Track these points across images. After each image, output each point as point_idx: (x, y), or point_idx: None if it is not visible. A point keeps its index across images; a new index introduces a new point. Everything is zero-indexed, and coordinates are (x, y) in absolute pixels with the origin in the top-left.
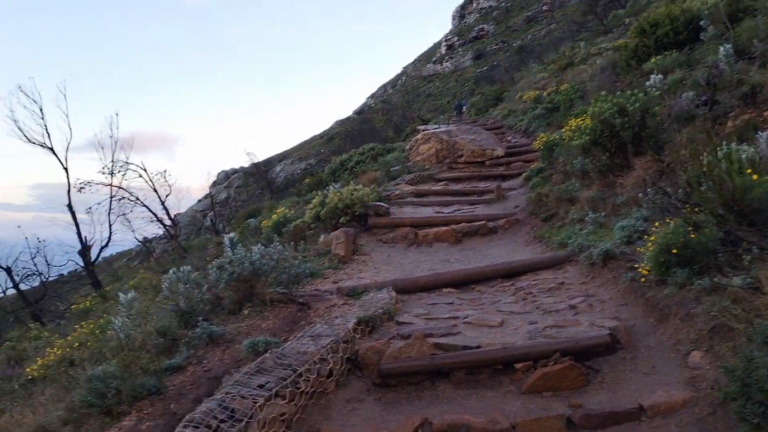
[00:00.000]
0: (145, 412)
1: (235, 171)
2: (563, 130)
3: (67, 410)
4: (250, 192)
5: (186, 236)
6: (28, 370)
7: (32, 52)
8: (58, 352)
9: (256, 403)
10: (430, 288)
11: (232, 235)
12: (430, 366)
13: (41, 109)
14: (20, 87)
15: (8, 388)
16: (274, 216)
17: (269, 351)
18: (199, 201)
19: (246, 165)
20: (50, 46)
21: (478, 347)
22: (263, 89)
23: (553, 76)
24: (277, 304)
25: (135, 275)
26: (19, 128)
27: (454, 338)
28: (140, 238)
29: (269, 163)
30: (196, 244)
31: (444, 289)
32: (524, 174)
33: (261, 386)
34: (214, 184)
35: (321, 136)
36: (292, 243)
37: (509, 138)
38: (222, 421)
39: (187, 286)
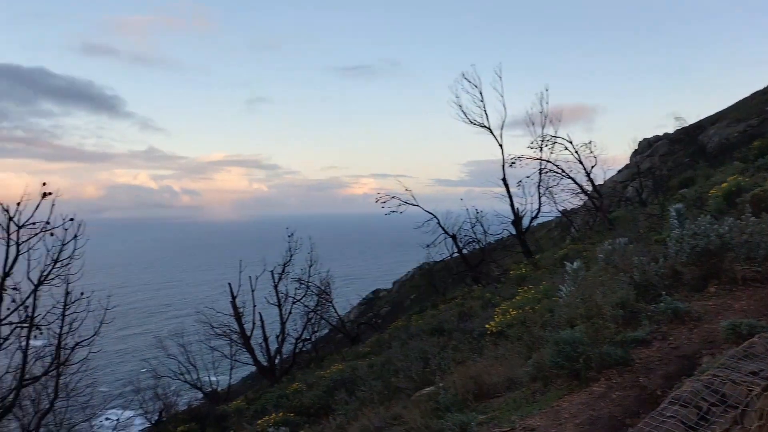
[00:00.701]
0: (614, 381)
1: (658, 138)
2: None
3: (535, 368)
4: (676, 160)
5: (606, 208)
6: (487, 326)
7: (472, 40)
8: (513, 313)
9: (751, 391)
10: None
11: (679, 206)
12: None
13: (481, 93)
14: (463, 74)
15: (466, 339)
16: (724, 185)
17: (757, 335)
18: (619, 171)
19: (671, 131)
20: (482, 29)
21: None
22: (691, 49)
23: None
24: (751, 283)
25: (559, 246)
26: (463, 112)
27: None
28: (561, 209)
29: (699, 127)
30: (621, 215)
31: None
32: None
33: (753, 373)
34: (635, 153)
35: (765, 92)
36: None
37: None
38: (712, 404)
39: (643, 258)
